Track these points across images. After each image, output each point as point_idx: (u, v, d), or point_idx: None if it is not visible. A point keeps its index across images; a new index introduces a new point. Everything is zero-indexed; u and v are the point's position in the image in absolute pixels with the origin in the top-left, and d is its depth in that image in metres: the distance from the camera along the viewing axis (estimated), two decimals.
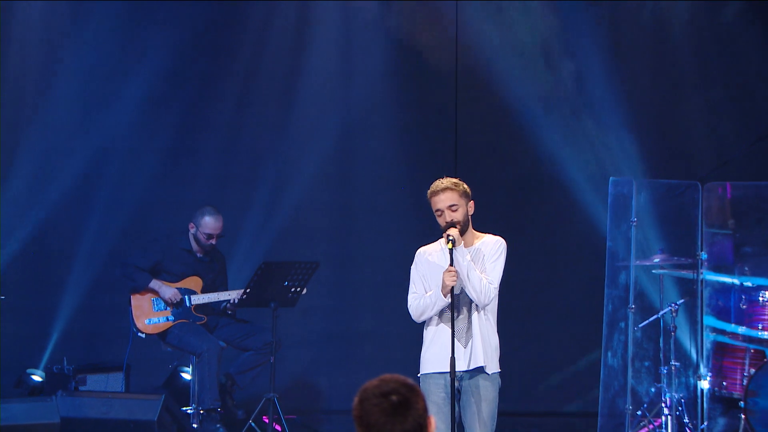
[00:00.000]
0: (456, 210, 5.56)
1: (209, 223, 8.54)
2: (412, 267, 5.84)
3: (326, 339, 10.18)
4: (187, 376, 8.91)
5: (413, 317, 5.74)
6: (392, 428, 2.53)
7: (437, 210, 5.59)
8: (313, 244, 10.30)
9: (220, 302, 8.70)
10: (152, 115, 10.07)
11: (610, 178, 8.52)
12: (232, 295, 8.58)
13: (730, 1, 9.95)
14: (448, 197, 5.56)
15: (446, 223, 5.56)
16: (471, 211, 5.68)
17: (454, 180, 5.66)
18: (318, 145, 10.28)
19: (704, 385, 8.15)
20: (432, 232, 5.96)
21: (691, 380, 8.36)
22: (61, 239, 9.82)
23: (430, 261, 5.73)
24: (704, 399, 8.15)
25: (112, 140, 9.91)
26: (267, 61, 10.16)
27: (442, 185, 5.58)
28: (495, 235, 5.86)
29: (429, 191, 5.63)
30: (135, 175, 9.98)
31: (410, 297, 5.76)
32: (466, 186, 5.67)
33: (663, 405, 8.23)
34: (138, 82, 9.90)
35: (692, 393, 8.34)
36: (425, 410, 2.61)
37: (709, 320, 8.29)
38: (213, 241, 8.61)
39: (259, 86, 10.21)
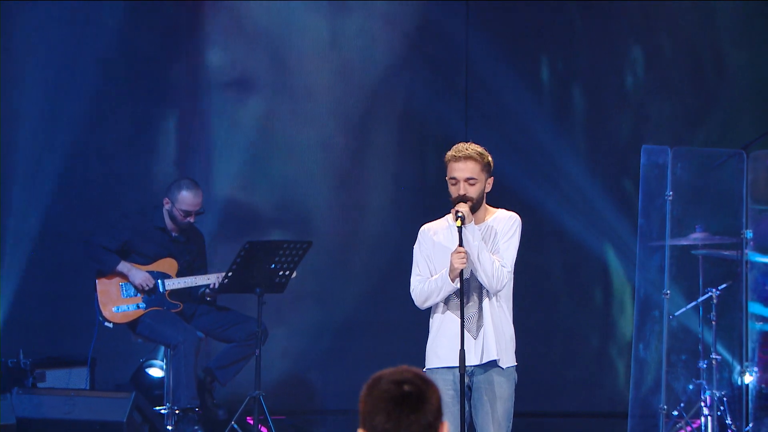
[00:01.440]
0: (474, 184, 5.46)
1: (186, 198, 8.48)
2: (415, 246, 5.76)
3: (319, 329, 10.13)
4: (156, 372, 8.90)
5: (417, 303, 5.66)
6: (398, 422, 2.47)
7: (452, 178, 5.48)
8: (305, 222, 10.27)
9: (198, 287, 8.64)
10: (121, 75, 10.04)
11: (643, 146, 8.46)
12: (212, 279, 8.53)
13: None
14: (470, 168, 5.46)
15: (457, 195, 5.48)
16: (488, 188, 5.59)
17: (480, 149, 5.53)
18: (312, 110, 10.24)
19: (749, 381, 8.11)
20: (440, 207, 5.91)
21: (735, 376, 8.35)
22: (16, 216, 9.76)
23: (435, 240, 5.66)
24: (749, 397, 8.09)
25: (73, 104, 9.85)
26: (252, 13, 10.13)
27: (466, 152, 5.46)
28: (508, 210, 5.79)
29: (449, 154, 5.50)
30: (100, 142, 9.94)
31: (413, 280, 5.69)
32: (491, 159, 5.56)
33: (702, 404, 8.20)
34: (102, 41, 9.87)
35: (736, 390, 8.31)
36: (439, 411, 2.56)
37: (755, 307, 8.23)
38: (190, 219, 8.56)
39: (243, 43, 10.17)
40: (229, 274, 8.39)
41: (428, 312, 5.72)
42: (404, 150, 10.31)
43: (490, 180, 5.59)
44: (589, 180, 9.97)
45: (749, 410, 8.05)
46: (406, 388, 2.50)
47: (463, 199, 5.45)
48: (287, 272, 8.49)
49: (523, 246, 5.74)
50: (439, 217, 5.78)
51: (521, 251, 5.70)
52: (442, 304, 5.60)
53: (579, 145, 10.17)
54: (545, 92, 10.34)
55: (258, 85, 10.28)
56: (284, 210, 10.25)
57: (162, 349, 8.94)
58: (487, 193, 5.62)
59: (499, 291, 5.55)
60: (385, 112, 10.26)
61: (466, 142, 5.59)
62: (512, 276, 5.61)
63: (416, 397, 2.50)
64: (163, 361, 8.72)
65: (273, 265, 8.41)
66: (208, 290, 8.58)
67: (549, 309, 9.95)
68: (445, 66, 10.36)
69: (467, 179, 5.45)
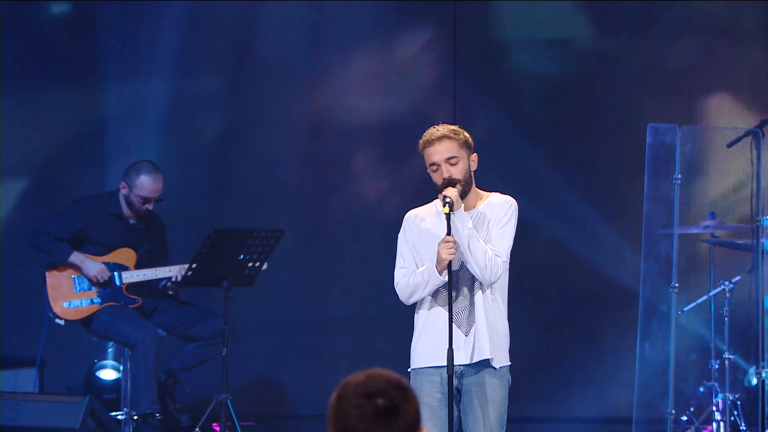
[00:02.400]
0: (456, 164, 5.42)
1: (146, 183, 8.43)
2: (399, 235, 5.70)
3: (292, 327, 10.08)
4: (108, 374, 8.85)
5: (401, 298, 5.58)
6: None
7: (432, 164, 5.46)
8: (277, 208, 10.23)
9: (158, 280, 8.58)
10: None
11: (648, 124, 8.41)
12: (174, 271, 8.48)
13: None
14: (446, 148, 5.44)
15: (443, 180, 5.42)
16: (474, 166, 5.56)
17: (453, 127, 5.54)
18: (284, 85, 10.25)
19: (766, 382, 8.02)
20: (426, 191, 5.89)
21: (750, 377, 8.32)
22: None
23: (422, 228, 5.60)
24: (766, 401, 7.99)
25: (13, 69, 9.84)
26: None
27: (438, 133, 5.46)
28: (503, 194, 5.76)
29: (421, 142, 5.49)
30: (47, 118, 9.90)
31: (397, 273, 5.61)
32: (467, 134, 5.54)
33: (714, 408, 8.21)
34: None
35: (751, 393, 8.31)
36: (417, 420, 2.50)
37: None
38: (150, 206, 8.51)
39: (210, 11, 10.18)
40: (194, 265, 8.34)
41: (413, 307, 5.67)
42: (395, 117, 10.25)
43: (474, 157, 5.56)
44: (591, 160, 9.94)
45: (765, 415, 8.03)
46: (379, 402, 2.47)
47: (451, 182, 5.40)
48: (257, 264, 8.45)
49: (519, 231, 5.68)
50: (428, 202, 5.75)
51: (517, 239, 5.66)
52: (429, 298, 5.53)
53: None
54: None
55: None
56: (255, 195, 10.20)
57: (116, 348, 8.87)
58: (474, 171, 5.59)
59: (493, 283, 5.49)
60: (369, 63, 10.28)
61: (437, 125, 5.59)
62: (508, 267, 5.57)
63: (390, 411, 2.47)
64: (117, 361, 8.63)
65: (242, 256, 8.39)
66: (170, 283, 8.53)
67: (545, 304, 9.93)
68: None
69: (447, 159, 5.41)
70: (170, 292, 8.61)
